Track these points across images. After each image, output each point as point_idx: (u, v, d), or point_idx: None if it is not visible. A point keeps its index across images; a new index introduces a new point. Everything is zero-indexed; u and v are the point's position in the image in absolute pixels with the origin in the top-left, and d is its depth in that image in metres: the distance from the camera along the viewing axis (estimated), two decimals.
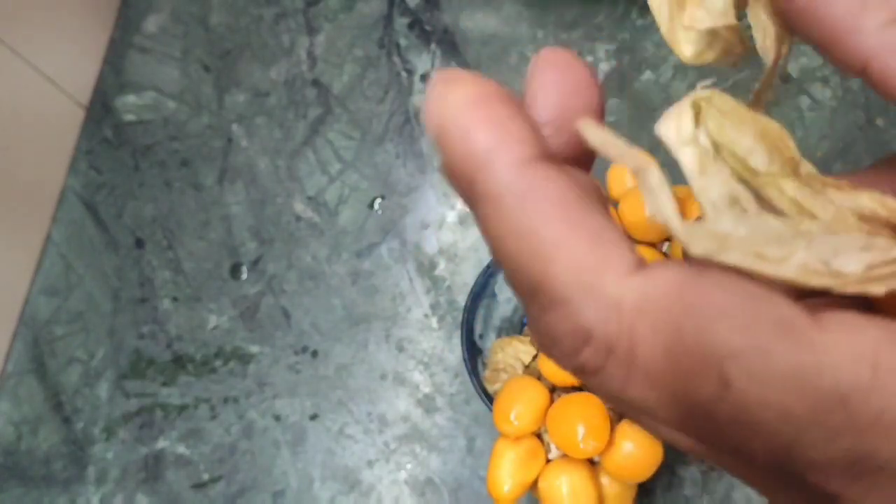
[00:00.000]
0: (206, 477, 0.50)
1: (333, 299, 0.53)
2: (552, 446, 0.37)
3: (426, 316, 0.52)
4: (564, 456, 0.36)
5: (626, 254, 0.11)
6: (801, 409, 0.09)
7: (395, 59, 0.59)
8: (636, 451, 0.35)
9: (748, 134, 0.11)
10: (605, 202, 0.12)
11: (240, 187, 0.57)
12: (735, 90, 0.54)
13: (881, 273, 0.10)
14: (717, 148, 0.11)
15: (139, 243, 0.56)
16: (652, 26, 0.57)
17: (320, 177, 0.56)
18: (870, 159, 0.52)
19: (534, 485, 0.37)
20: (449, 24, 0.59)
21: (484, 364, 0.44)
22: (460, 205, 0.55)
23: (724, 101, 0.11)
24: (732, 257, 0.10)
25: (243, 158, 0.58)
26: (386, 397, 0.50)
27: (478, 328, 0.46)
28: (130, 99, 0.60)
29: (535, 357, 0.41)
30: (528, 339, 0.42)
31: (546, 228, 0.11)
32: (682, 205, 0.39)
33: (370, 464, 0.49)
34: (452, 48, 0.58)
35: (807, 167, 0.12)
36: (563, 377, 0.36)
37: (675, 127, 0.11)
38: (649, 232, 0.39)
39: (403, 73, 0.59)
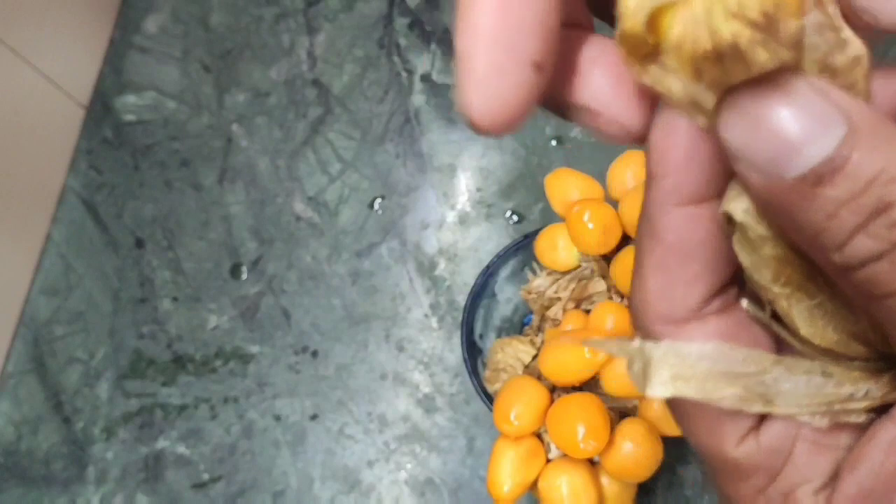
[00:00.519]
0: (206, 477, 0.50)
1: (333, 299, 0.53)
2: (552, 446, 0.37)
3: (426, 316, 0.52)
4: (564, 456, 0.36)
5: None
6: None
7: (395, 59, 0.59)
8: (636, 451, 0.35)
9: (763, 253, 0.12)
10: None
11: (240, 187, 0.57)
12: None
13: (813, 408, 0.13)
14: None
15: (139, 243, 0.56)
16: None
17: (320, 177, 0.56)
18: None
19: (534, 485, 0.37)
20: (449, 24, 0.59)
21: (484, 364, 0.44)
22: (460, 205, 0.55)
23: (749, 221, 0.12)
24: (684, 395, 0.13)
25: (243, 158, 0.58)
26: (386, 397, 0.50)
27: (478, 328, 0.46)
28: (130, 99, 0.60)
29: (535, 357, 0.41)
30: (528, 339, 0.42)
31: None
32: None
33: (370, 464, 0.49)
34: (452, 48, 0.58)
35: (823, 280, 0.13)
36: (563, 377, 0.36)
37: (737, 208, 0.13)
38: None
39: (403, 73, 0.59)
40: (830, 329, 0.13)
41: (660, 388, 0.12)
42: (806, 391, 0.13)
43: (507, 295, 0.47)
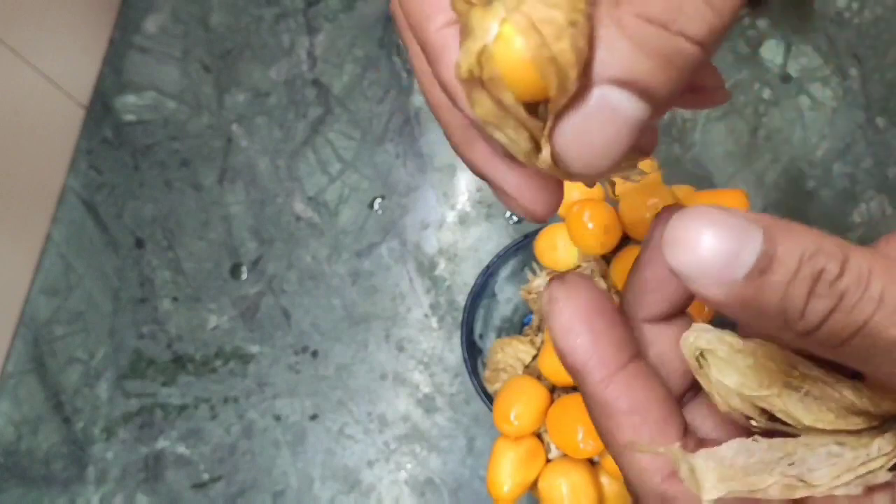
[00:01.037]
0: (206, 477, 0.50)
1: (333, 299, 0.53)
2: (552, 446, 0.37)
3: (426, 316, 0.52)
4: (564, 456, 0.36)
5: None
6: None
7: (395, 59, 0.59)
8: None
9: (740, 367, 0.15)
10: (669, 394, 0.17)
11: (240, 187, 0.57)
12: (735, 87, 0.54)
13: (845, 480, 0.14)
14: (719, 383, 0.15)
15: (139, 243, 0.56)
16: None
17: (320, 177, 0.56)
18: (870, 159, 0.52)
19: (534, 485, 0.37)
20: None
21: (484, 364, 0.44)
22: (460, 205, 0.55)
23: (720, 344, 0.15)
24: (735, 492, 0.14)
25: (243, 158, 0.58)
26: (386, 397, 0.50)
27: (478, 328, 0.46)
28: (130, 99, 0.60)
29: (535, 357, 0.41)
30: (527, 339, 0.42)
31: (619, 435, 0.16)
32: (681, 203, 0.39)
33: (370, 464, 0.49)
34: None
35: (803, 367, 0.15)
36: (563, 377, 0.36)
37: (686, 357, 0.16)
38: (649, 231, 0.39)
39: (403, 73, 0.59)
40: (825, 410, 0.15)
41: (714, 492, 0.14)
42: (829, 463, 0.14)
43: (507, 295, 0.47)
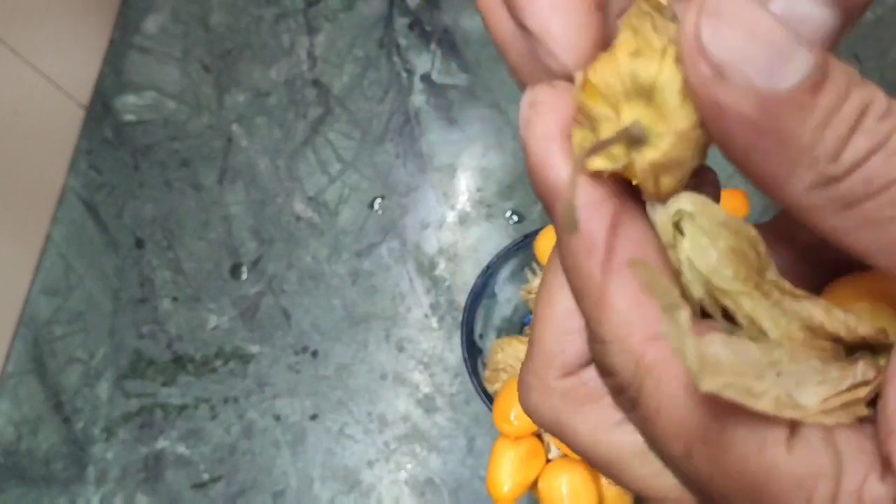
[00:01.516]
0: (206, 477, 0.50)
1: (333, 299, 0.53)
2: (552, 446, 0.37)
3: (426, 316, 0.52)
4: (564, 456, 0.36)
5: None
6: None
7: (395, 59, 0.59)
8: None
9: (719, 246, 0.13)
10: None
11: (240, 187, 0.57)
12: None
13: (832, 405, 0.12)
14: (689, 263, 0.13)
15: (139, 243, 0.56)
16: None
17: (320, 177, 0.56)
18: None
19: (534, 485, 0.37)
20: (449, 24, 0.59)
21: (484, 364, 0.44)
22: (460, 205, 0.55)
23: (704, 211, 0.13)
24: (730, 393, 0.11)
25: (243, 158, 0.58)
26: (386, 397, 0.50)
27: (478, 328, 0.46)
28: (130, 99, 0.60)
29: None
30: (527, 339, 0.42)
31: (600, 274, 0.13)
32: None
33: (370, 464, 0.49)
34: (452, 48, 0.58)
35: (772, 273, 0.13)
36: None
37: (660, 224, 0.13)
38: None
39: (403, 73, 0.59)
40: (795, 327, 0.13)
41: (710, 382, 0.11)
42: (815, 381, 0.12)
43: (507, 295, 0.47)
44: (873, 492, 0.11)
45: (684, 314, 0.11)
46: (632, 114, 0.12)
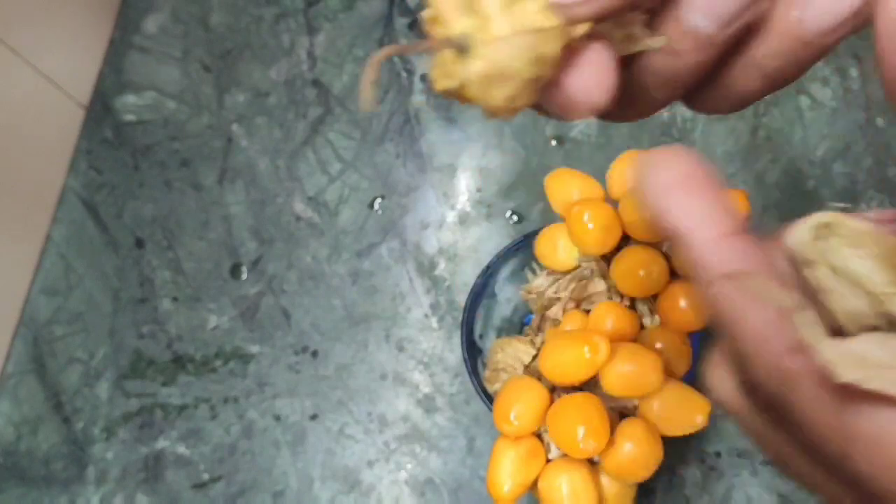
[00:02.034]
0: (206, 477, 0.50)
1: (333, 299, 0.53)
2: (552, 446, 0.37)
3: (426, 316, 0.52)
4: (564, 456, 0.36)
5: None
6: None
7: (395, 58, 0.59)
8: (636, 451, 0.35)
9: (866, 255, 0.13)
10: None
11: (240, 187, 0.57)
12: None
13: None
14: (834, 270, 0.13)
15: (139, 243, 0.56)
16: None
17: (320, 177, 0.56)
18: (870, 159, 0.52)
19: (534, 485, 0.37)
20: None
21: (484, 364, 0.44)
22: (460, 205, 0.55)
23: (845, 225, 0.13)
24: (876, 384, 0.11)
25: (243, 158, 0.58)
26: (386, 397, 0.50)
27: (478, 328, 0.46)
28: (130, 99, 0.60)
29: (535, 357, 0.41)
30: (528, 339, 0.42)
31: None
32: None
33: (370, 464, 0.49)
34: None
35: None
36: (563, 377, 0.36)
37: (798, 243, 0.13)
38: (650, 231, 0.39)
39: (403, 73, 0.59)
40: None
41: (850, 373, 0.11)
42: None
43: (507, 295, 0.47)
44: None
45: (811, 313, 0.12)
46: (460, 26, 0.12)
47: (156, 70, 0.61)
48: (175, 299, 0.54)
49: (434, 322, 0.52)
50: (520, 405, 0.36)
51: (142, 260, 0.55)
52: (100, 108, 0.60)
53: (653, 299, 0.40)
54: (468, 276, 0.52)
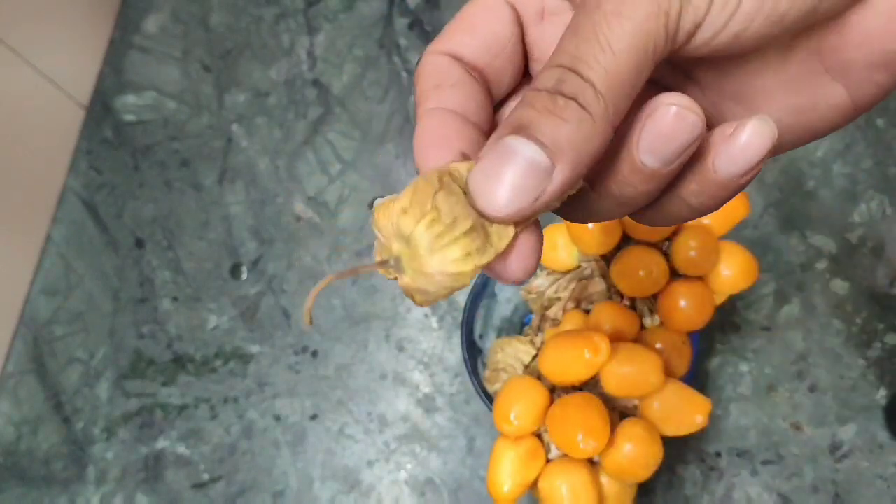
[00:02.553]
0: (206, 477, 0.50)
1: (333, 299, 0.53)
2: (552, 446, 0.37)
3: (426, 316, 0.52)
4: (564, 456, 0.36)
5: None
6: None
7: (395, 59, 0.59)
8: (636, 451, 0.35)
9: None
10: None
11: (240, 187, 0.57)
12: None
13: None
14: None
15: (139, 243, 0.56)
16: None
17: (320, 177, 0.56)
18: (870, 159, 0.52)
19: (534, 485, 0.37)
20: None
21: (484, 364, 0.44)
22: None
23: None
24: None
25: (243, 158, 0.58)
26: (386, 397, 0.50)
27: (478, 328, 0.46)
28: (130, 99, 0.60)
29: (535, 357, 0.41)
30: (527, 339, 0.42)
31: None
32: None
33: (370, 464, 0.49)
34: None
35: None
36: (563, 377, 0.36)
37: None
38: (649, 231, 0.39)
39: (403, 73, 0.59)
40: None
41: None
42: None
43: (507, 295, 0.47)
44: None
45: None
46: (397, 248, 0.16)
47: (156, 70, 0.61)
48: (175, 299, 0.54)
49: (434, 322, 0.52)
50: (520, 405, 0.36)
51: (142, 260, 0.55)
52: (100, 108, 0.60)
53: (653, 299, 0.40)
54: None
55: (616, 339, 0.37)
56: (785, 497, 0.46)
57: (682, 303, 0.38)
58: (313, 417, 0.51)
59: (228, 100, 0.59)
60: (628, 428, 0.36)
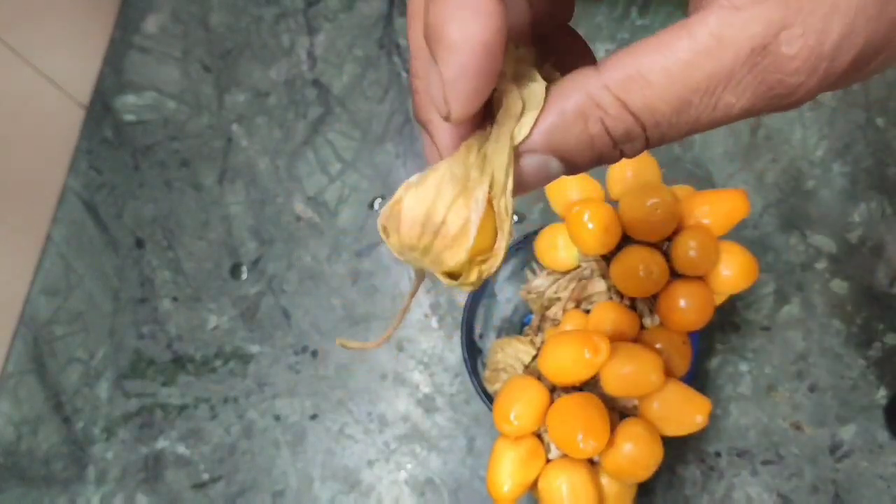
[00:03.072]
0: (206, 477, 0.50)
1: (333, 299, 0.53)
2: (552, 446, 0.37)
3: (426, 316, 0.52)
4: (564, 456, 0.36)
5: None
6: None
7: (395, 59, 0.59)
8: (636, 451, 0.35)
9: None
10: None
11: (240, 187, 0.57)
12: None
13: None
14: None
15: (139, 243, 0.56)
16: (652, 26, 0.57)
17: (320, 177, 0.56)
18: (870, 159, 0.52)
19: (534, 485, 0.37)
20: None
21: (484, 364, 0.44)
22: None
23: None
24: None
25: (243, 158, 0.58)
26: (386, 397, 0.50)
27: (478, 328, 0.46)
28: (130, 99, 0.60)
29: (535, 357, 0.41)
30: (528, 339, 0.42)
31: None
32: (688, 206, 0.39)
33: (370, 464, 0.49)
34: None
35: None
36: (563, 377, 0.36)
37: None
38: (649, 231, 0.39)
39: (403, 73, 0.59)
40: None
41: None
42: None
43: (507, 295, 0.47)
44: None
45: None
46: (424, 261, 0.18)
47: (156, 70, 0.61)
48: (175, 299, 0.54)
49: (434, 322, 0.52)
50: (520, 405, 0.36)
51: (142, 260, 0.55)
52: (100, 108, 0.60)
53: (653, 299, 0.40)
54: None
55: (616, 339, 0.37)
56: (785, 497, 0.46)
57: (682, 303, 0.38)
58: (313, 417, 0.51)
59: (228, 100, 0.59)
60: (628, 428, 0.36)
